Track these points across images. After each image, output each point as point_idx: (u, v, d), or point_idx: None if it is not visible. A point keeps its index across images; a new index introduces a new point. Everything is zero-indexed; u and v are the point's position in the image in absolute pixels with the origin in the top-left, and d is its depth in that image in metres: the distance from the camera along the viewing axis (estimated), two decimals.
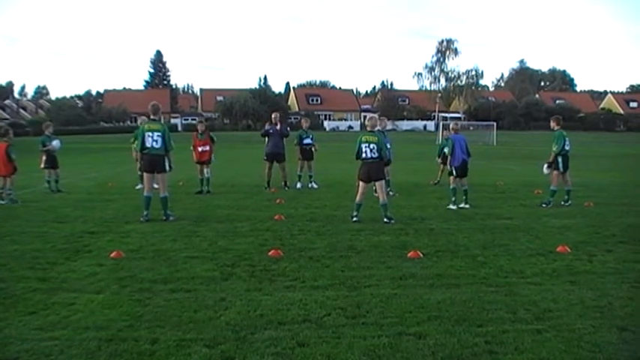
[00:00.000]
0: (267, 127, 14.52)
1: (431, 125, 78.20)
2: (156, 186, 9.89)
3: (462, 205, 11.10)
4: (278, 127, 14.30)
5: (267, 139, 14.38)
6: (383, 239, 8.08)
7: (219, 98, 79.61)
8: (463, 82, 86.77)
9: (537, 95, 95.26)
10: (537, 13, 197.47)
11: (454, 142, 11.37)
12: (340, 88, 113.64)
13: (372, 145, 9.39)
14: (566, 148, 11.39)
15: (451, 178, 11.43)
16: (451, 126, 11.97)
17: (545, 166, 11.75)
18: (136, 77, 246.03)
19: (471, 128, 60.03)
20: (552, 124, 11.79)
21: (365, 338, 4.41)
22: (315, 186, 14.58)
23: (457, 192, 11.26)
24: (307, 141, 14.65)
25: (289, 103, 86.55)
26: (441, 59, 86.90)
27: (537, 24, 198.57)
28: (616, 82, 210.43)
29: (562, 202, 11.36)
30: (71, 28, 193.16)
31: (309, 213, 10.45)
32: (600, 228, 8.94)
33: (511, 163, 25.49)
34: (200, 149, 13.61)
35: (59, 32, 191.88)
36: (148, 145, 9.60)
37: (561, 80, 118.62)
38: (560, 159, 11.41)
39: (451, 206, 11.11)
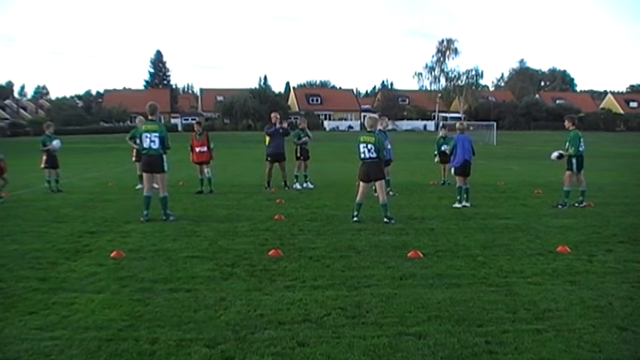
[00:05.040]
0: (276, 126, 14.44)
1: (431, 125, 78.25)
2: (156, 186, 9.89)
3: (459, 205, 11.11)
4: (285, 124, 14.32)
5: (268, 139, 14.37)
6: (383, 239, 8.08)
7: (219, 98, 79.62)
8: (463, 82, 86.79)
9: (537, 95, 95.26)
10: (537, 13, 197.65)
11: (456, 142, 11.36)
12: (340, 88, 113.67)
13: (369, 145, 9.38)
14: (581, 149, 11.15)
15: (456, 177, 11.46)
16: (457, 126, 11.88)
17: (556, 154, 11.44)
18: (136, 77, 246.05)
19: (471, 128, 59.81)
20: (567, 123, 11.38)
21: (365, 338, 4.41)
22: (310, 185, 14.58)
23: (462, 191, 11.27)
24: (304, 139, 14.66)
25: (289, 103, 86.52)
26: (441, 59, 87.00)
27: (537, 24, 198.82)
28: (616, 82, 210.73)
29: (575, 204, 11.15)
30: (70, 28, 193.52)
31: (310, 213, 10.45)
32: (600, 228, 8.93)
33: (511, 163, 25.49)
34: (198, 150, 13.55)
35: (58, 31, 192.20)
36: (146, 145, 9.63)
37: (561, 80, 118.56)
38: (574, 160, 11.15)
39: (456, 205, 11.14)
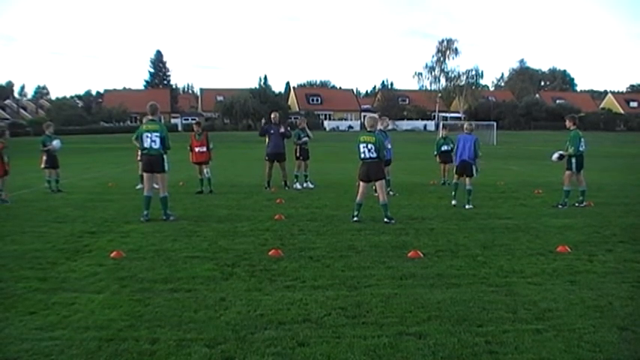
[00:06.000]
0: (264, 126, 14.54)
1: (431, 125, 78.22)
2: (156, 186, 9.89)
3: (466, 206, 10.95)
4: (282, 130, 14.28)
5: (267, 138, 14.38)
6: (383, 239, 8.08)
7: (220, 98, 79.65)
8: (463, 82, 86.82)
9: (537, 95, 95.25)
10: (537, 13, 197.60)
11: (457, 141, 11.36)
12: (340, 87, 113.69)
13: (369, 145, 9.39)
14: (581, 149, 11.14)
15: (455, 175, 11.46)
16: (465, 126, 11.76)
17: (557, 155, 11.44)
18: (136, 77, 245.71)
19: None
20: (568, 123, 11.34)
21: (365, 338, 4.41)
22: (310, 185, 14.59)
23: (458, 189, 11.23)
24: (304, 139, 14.66)
25: (289, 102, 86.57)
26: (441, 59, 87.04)
27: (537, 24, 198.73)
28: (616, 82, 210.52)
29: (576, 204, 11.15)
30: (70, 28, 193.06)
31: (310, 213, 10.45)
32: (600, 228, 8.93)
33: (511, 163, 25.49)
34: (197, 150, 13.55)
35: (58, 31, 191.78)
36: (147, 145, 9.63)
37: (561, 80, 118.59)
38: (573, 159, 11.14)
39: (453, 202, 11.12)
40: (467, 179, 11.19)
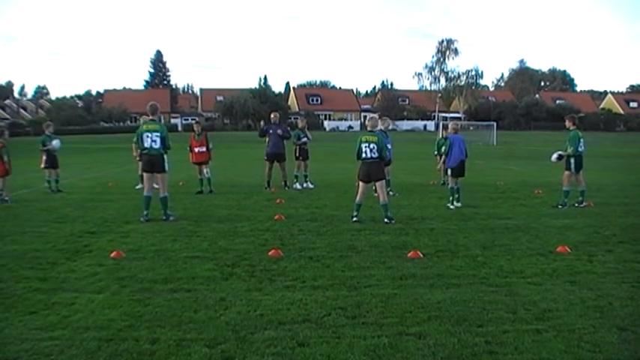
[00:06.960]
0: (262, 127, 14.56)
1: (431, 125, 78.24)
2: (156, 186, 9.89)
3: (452, 206, 11.03)
4: (279, 132, 14.27)
5: (267, 138, 14.38)
6: (383, 239, 8.08)
7: (220, 98, 79.63)
8: (463, 82, 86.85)
9: (537, 95, 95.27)
10: (537, 13, 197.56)
11: (452, 142, 11.35)
12: (340, 88, 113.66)
13: (372, 145, 9.39)
14: (580, 149, 11.14)
15: (450, 177, 11.44)
16: (450, 126, 11.85)
17: (556, 155, 11.47)
18: (136, 77, 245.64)
19: (471, 128, 60.06)
20: (568, 123, 11.35)
21: (365, 338, 4.41)
22: (310, 185, 14.58)
23: (454, 191, 11.26)
24: (304, 140, 14.66)
25: (289, 103, 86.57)
26: (441, 59, 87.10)
27: (537, 24, 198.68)
28: (616, 82, 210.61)
29: (575, 204, 11.15)
30: (70, 27, 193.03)
31: (309, 213, 10.45)
32: (600, 228, 8.93)
33: (511, 163, 25.49)
34: (197, 150, 13.56)
35: (58, 31, 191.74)
36: (147, 145, 9.62)
37: (561, 80, 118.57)
38: (572, 160, 11.15)
39: (450, 206, 11.10)
40: (458, 179, 11.29)
